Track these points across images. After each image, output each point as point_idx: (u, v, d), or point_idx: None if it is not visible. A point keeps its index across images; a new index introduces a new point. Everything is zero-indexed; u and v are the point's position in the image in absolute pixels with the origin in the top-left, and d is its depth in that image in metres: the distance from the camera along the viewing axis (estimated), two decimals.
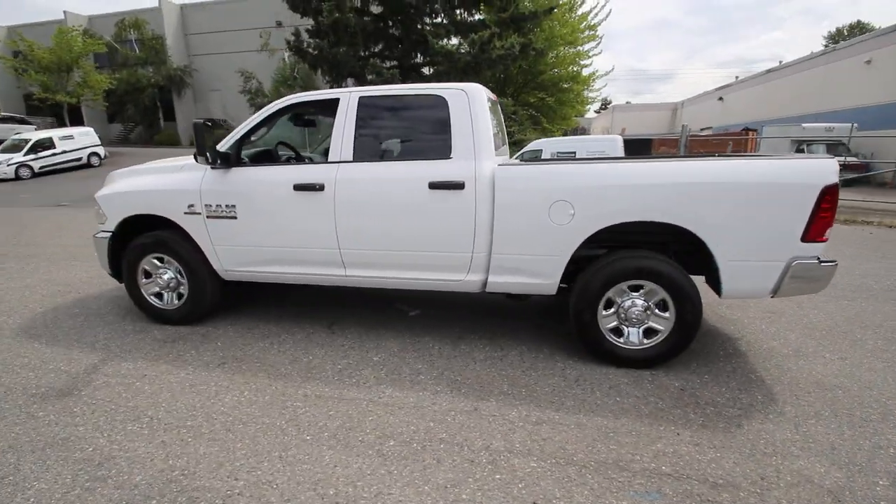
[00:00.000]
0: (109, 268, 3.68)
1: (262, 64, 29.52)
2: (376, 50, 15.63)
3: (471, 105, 2.94)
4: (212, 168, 3.30)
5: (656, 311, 2.88)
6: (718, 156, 3.24)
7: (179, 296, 3.61)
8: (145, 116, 32.21)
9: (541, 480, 1.98)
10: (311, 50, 14.74)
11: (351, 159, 3.07)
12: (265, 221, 3.22)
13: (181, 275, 3.55)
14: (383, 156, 3.07)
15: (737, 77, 34.41)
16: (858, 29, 47.50)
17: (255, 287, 3.67)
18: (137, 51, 30.93)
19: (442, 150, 2.96)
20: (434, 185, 2.90)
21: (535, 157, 10.59)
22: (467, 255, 3.00)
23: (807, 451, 2.21)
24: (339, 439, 2.24)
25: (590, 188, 2.74)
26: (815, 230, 2.60)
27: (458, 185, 2.88)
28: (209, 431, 2.29)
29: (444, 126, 2.97)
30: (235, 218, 3.26)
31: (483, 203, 2.88)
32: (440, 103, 2.99)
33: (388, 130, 3.11)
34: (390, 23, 15.31)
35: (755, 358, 3.19)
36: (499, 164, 2.90)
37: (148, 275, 3.62)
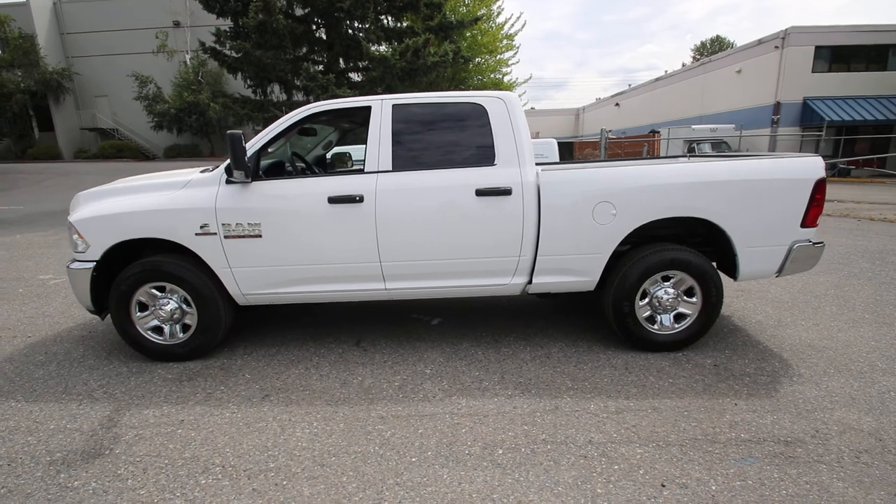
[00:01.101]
0: (91, 303, 3.16)
1: (159, 67, 26.77)
2: (300, 53, 15.01)
3: (510, 112, 3.01)
4: (227, 183, 3.00)
5: (684, 297, 3.18)
6: (727, 156, 3.64)
7: (185, 328, 3.22)
8: (14, 127, 27.62)
9: (655, 464, 2.10)
10: (231, 52, 13.74)
11: (390, 168, 2.98)
12: (296, 238, 3.00)
13: (187, 304, 3.16)
14: (423, 164, 3.02)
15: (629, 85, 38.29)
16: (718, 43, 55.33)
17: (250, 310, 3.38)
18: (1, 52, 26.42)
19: (485, 157, 3.00)
20: (481, 192, 2.92)
21: None
22: (514, 259, 3.06)
23: (836, 404, 2.59)
24: (446, 456, 2.17)
25: (630, 189, 2.94)
26: (810, 217, 3.05)
27: (506, 192, 2.93)
28: (301, 470, 2.10)
29: (485, 133, 3.00)
30: (260, 237, 2.99)
31: (530, 207, 2.96)
32: (478, 111, 3.02)
33: (425, 138, 3.06)
34: (314, 27, 14.80)
35: (752, 331, 3.63)
36: (541, 170, 3.00)
37: (143, 307, 3.17)
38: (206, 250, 3.02)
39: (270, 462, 2.16)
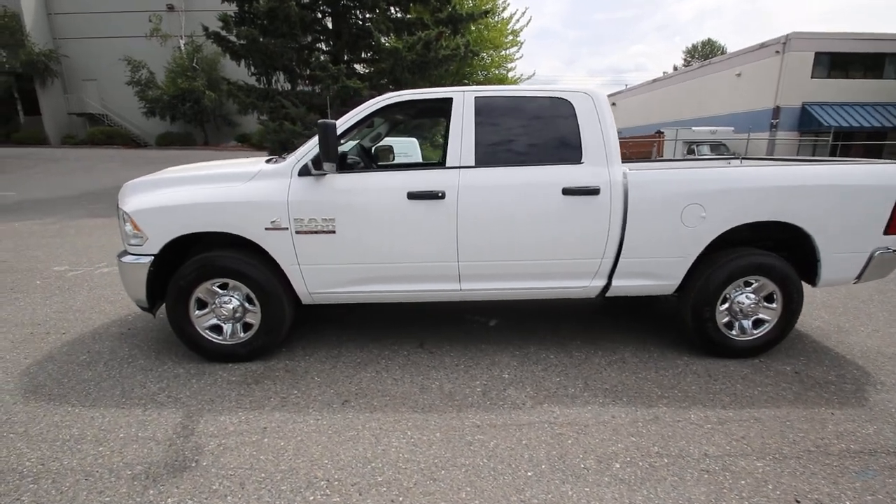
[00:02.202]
0: (146, 299, 2.97)
1: (151, 52, 25.98)
2: (306, 42, 14.65)
3: (598, 109, 2.90)
4: (300, 175, 2.83)
5: (764, 303, 3.11)
6: (812, 161, 3.57)
7: (246, 327, 3.05)
8: None
9: (780, 478, 2.03)
10: (237, 39, 13.32)
11: (473, 164, 2.84)
12: (371, 235, 2.85)
13: (250, 302, 2.99)
14: (506, 161, 2.89)
15: (626, 85, 38.48)
16: (709, 46, 55.98)
17: (303, 308, 3.23)
18: None
19: (572, 154, 2.88)
20: (568, 191, 2.81)
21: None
22: (596, 262, 2.95)
23: None
24: (562, 470, 2.06)
25: (722, 191, 2.85)
26: (893, 224, 3.00)
27: (594, 191, 2.81)
28: (413, 485, 1.97)
29: (572, 130, 2.88)
30: (333, 232, 2.83)
31: (617, 208, 2.85)
32: (565, 107, 2.90)
33: (508, 133, 2.93)
34: (320, 15, 14.46)
35: (817, 337, 3.59)
36: (630, 169, 2.89)
37: (202, 305, 2.99)
38: (275, 246, 2.85)
39: (377, 475, 2.02)
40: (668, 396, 2.69)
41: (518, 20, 21.55)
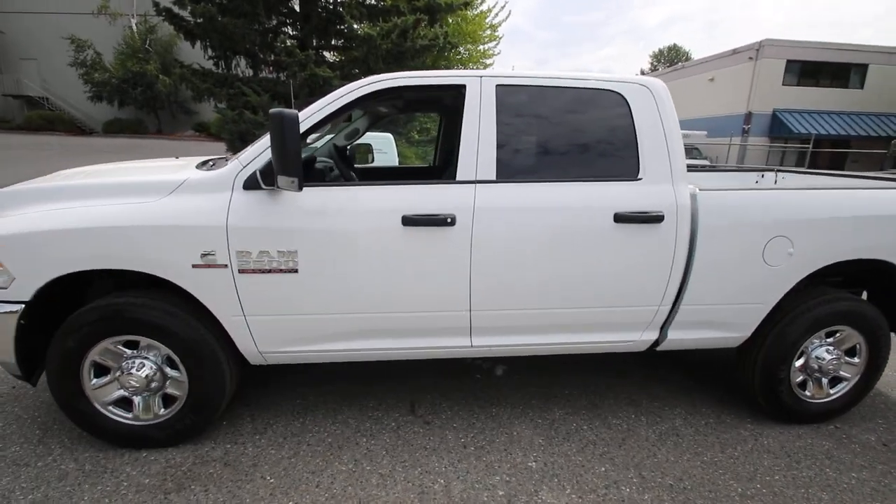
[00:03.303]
0: (16, 363, 2.04)
1: (99, 31, 23.72)
2: (270, 25, 13.42)
3: (659, 107, 2.16)
4: (245, 188, 1.97)
5: (846, 357, 2.48)
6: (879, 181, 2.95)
7: (167, 400, 2.16)
8: None
9: None
10: (190, 17, 11.98)
11: (493, 178, 2.05)
12: (350, 275, 2.02)
13: (172, 365, 2.10)
14: (538, 174, 2.12)
15: None
16: (675, 51, 57.21)
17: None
18: None
19: (626, 167, 2.13)
20: (622, 218, 2.06)
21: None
22: (650, 309, 2.23)
23: None
24: None
25: (819, 221, 2.18)
26: None
27: (655, 218, 2.08)
28: None
29: (624, 134, 2.14)
30: (295, 272, 1.98)
31: (683, 240, 2.13)
32: (615, 102, 2.15)
33: (542, 136, 2.16)
34: None
35: (887, 391, 3.01)
36: (700, 190, 2.18)
37: (102, 371, 2.09)
38: (208, 290, 1.98)
39: None
40: (750, 496, 2.00)
41: (496, 14, 20.85)
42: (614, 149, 2.15)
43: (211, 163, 2.37)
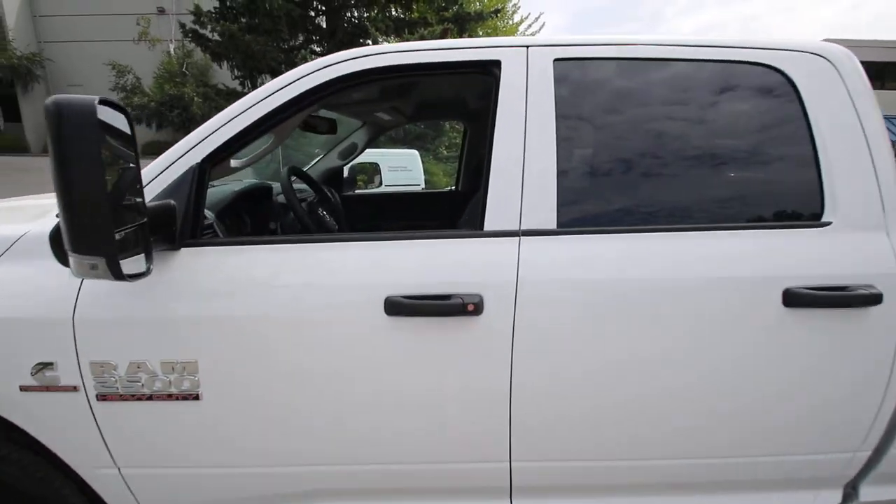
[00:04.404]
0: None
1: (139, 56, 24.51)
2: (297, 42, 13.11)
3: (852, 93, 1.19)
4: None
5: None
6: None
7: None
8: None
9: None
10: (215, 36, 11.76)
11: (553, 227, 1.12)
12: (295, 401, 1.13)
13: None
14: (634, 218, 1.18)
15: None
16: None
17: None
18: None
19: (799, 203, 1.17)
20: (798, 299, 1.08)
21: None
22: (842, 456, 1.22)
23: None
24: None
25: None
26: None
27: (864, 299, 1.09)
28: None
29: (793, 143, 1.17)
30: (197, 398, 1.11)
31: None
32: (771, 85, 1.18)
33: (638, 150, 1.21)
34: (312, 12, 12.94)
35: None
36: None
37: None
38: (50, 426, 1.14)
39: None
40: None
41: (530, 26, 20.04)
42: (774, 170, 1.18)
43: None
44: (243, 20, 11.16)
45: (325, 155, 2.57)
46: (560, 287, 1.09)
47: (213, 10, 12.07)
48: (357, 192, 2.89)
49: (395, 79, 1.26)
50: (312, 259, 1.13)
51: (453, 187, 3.01)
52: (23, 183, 16.50)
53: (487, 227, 1.13)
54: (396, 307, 1.07)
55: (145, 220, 0.91)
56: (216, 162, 1.16)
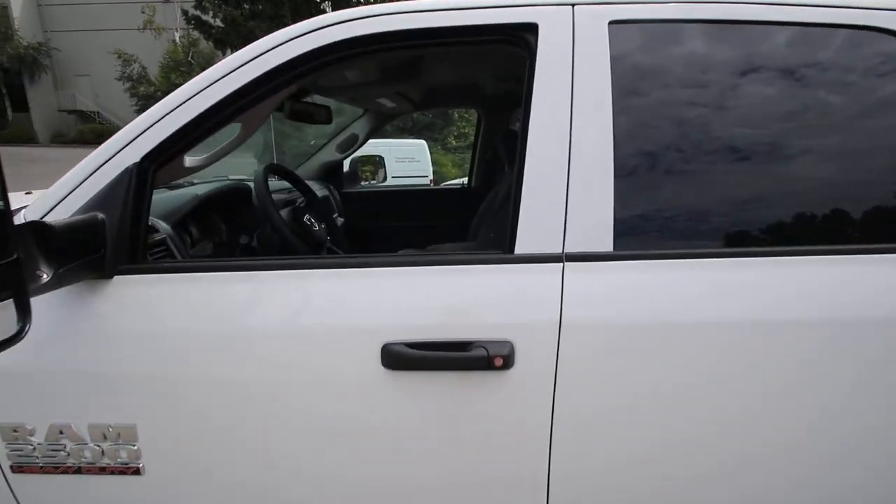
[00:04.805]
0: None
1: (145, 45, 24.26)
2: None
3: None
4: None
5: None
6: None
7: None
8: None
9: None
10: (217, 22, 11.45)
11: (608, 249, 0.83)
12: (261, 479, 0.87)
13: None
14: (723, 236, 0.88)
15: None
16: None
17: None
18: None
19: None
20: None
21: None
22: None
23: None
24: None
25: None
26: None
27: None
28: None
29: None
30: (137, 472, 0.85)
31: None
32: None
33: (727, 140, 0.91)
34: None
35: None
36: None
37: None
38: None
39: None
40: None
41: None
42: None
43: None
44: (246, 6, 10.82)
45: (322, 147, 2.29)
46: (621, 333, 0.81)
47: None
48: (358, 189, 2.62)
49: (398, 49, 0.96)
50: (286, 291, 0.85)
51: (464, 182, 2.71)
52: (31, 175, 16.46)
53: (520, 248, 0.84)
54: (397, 359, 0.79)
55: (15, 255, 0.63)
56: (163, 161, 0.89)
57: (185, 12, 12.31)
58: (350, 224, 2.11)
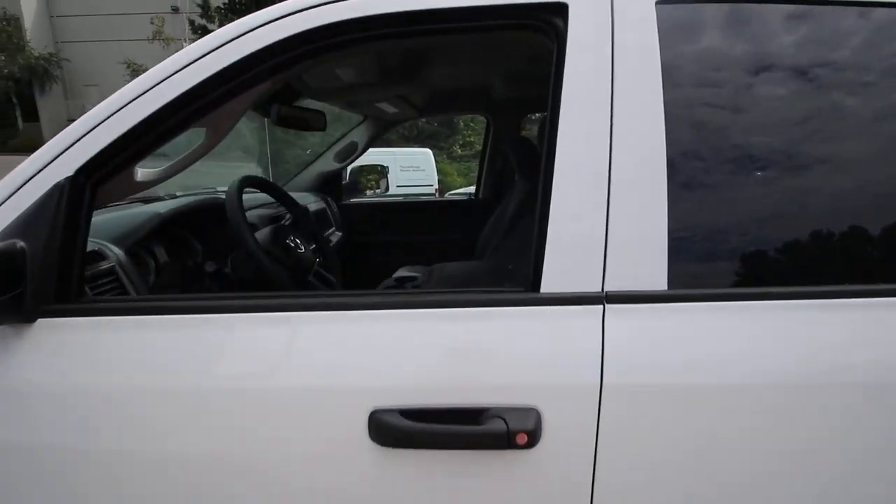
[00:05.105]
0: None
1: (154, 55, 24.51)
2: None
3: None
4: None
5: None
6: None
7: None
8: None
9: None
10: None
11: (664, 288, 0.65)
12: None
13: None
14: (816, 270, 0.70)
15: None
16: None
17: None
18: None
19: None
20: None
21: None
22: None
23: None
24: None
25: None
26: None
27: None
28: None
29: None
30: None
31: None
32: None
33: (817, 149, 0.73)
34: None
35: None
36: None
37: None
38: None
39: None
40: None
41: None
42: None
43: None
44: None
45: (319, 156, 2.14)
46: (680, 397, 0.62)
47: (221, 6, 11.80)
48: (358, 200, 2.45)
49: (398, 37, 0.79)
50: (252, 340, 0.67)
51: (472, 193, 2.54)
52: None
53: (547, 286, 0.66)
54: (388, 432, 0.61)
55: None
56: (105, 174, 0.72)
57: (191, 22, 12.41)
58: (348, 238, 1.95)
